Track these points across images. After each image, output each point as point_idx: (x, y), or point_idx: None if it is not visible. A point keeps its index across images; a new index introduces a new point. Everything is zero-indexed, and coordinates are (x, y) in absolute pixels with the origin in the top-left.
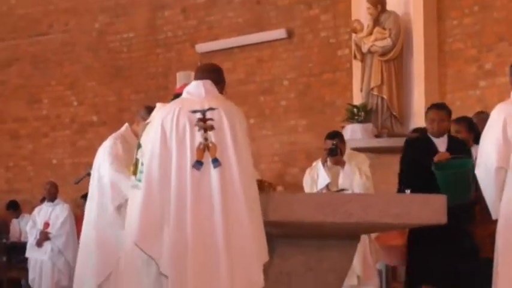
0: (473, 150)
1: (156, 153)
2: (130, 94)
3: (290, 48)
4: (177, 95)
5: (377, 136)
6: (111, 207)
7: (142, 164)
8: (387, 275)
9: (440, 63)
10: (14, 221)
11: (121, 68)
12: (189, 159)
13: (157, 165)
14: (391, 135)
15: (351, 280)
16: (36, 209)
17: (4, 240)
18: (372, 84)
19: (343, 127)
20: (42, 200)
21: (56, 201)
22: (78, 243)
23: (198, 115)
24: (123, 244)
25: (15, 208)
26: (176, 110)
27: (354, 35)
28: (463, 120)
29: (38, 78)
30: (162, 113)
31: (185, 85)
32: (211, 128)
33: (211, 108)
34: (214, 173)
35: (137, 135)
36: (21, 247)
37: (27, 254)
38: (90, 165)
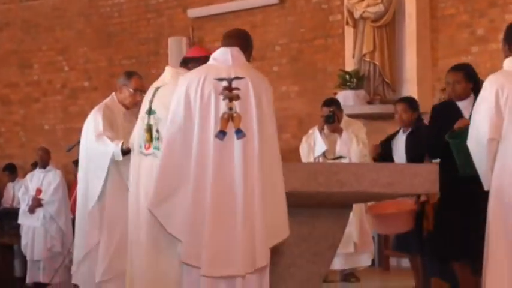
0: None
1: (178, 120)
2: (122, 59)
3: (282, 13)
4: (188, 59)
5: (369, 102)
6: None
7: (157, 131)
8: (379, 242)
9: (433, 29)
10: (9, 185)
11: (112, 34)
12: (212, 128)
13: (179, 132)
14: (383, 101)
15: (347, 247)
16: (28, 175)
17: None
18: (364, 51)
19: (335, 93)
20: (34, 165)
21: (48, 167)
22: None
23: (224, 83)
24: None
25: (11, 171)
26: (202, 77)
27: (345, 0)
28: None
29: (29, 43)
30: (187, 79)
31: (197, 49)
32: (237, 97)
33: (237, 77)
34: (237, 144)
35: (122, 103)
36: (13, 213)
37: (20, 221)
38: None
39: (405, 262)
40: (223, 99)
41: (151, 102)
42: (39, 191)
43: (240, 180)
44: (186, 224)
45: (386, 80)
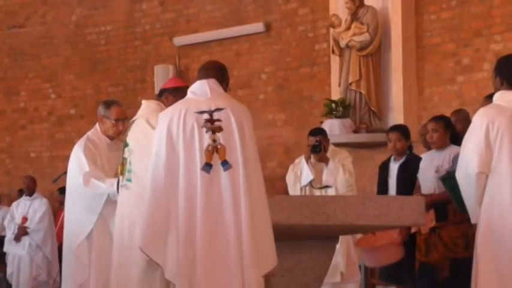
0: (449, 149)
1: (162, 155)
2: (108, 87)
3: (268, 41)
4: (164, 91)
5: (355, 131)
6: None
7: (130, 164)
8: (366, 270)
9: (418, 58)
10: None
11: (99, 61)
12: (198, 161)
13: (164, 168)
14: (370, 130)
15: (334, 277)
16: (14, 203)
17: None
18: (350, 79)
19: (321, 122)
20: (20, 192)
21: (34, 195)
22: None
23: (206, 116)
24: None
25: None
26: (182, 110)
27: (331, 29)
28: (440, 119)
29: (15, 70)
30: (167, 114)
31: (172, 80)
32: (220, 129)
33: (218, 109)
34: (224, 176)
35: (105, 134)
36: None
37: (5, 249)
38: (68, 158)
39: None
40: (206, 132)
41: (126, 135)
42: (25, 219)
43: (230, 212)
44: (178, 267)
45: (373, 108)
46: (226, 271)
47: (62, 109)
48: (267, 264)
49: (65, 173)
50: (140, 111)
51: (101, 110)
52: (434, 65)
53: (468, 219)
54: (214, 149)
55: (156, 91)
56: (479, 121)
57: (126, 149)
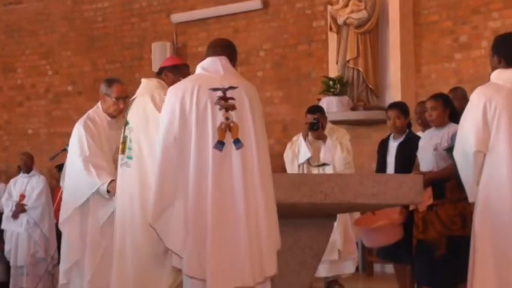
0: (448, 127)
1: (174, 129)
2: (106, 64)
3: (266, 19)
4: (163, 69)
5: (353, 109)
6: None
7: (131, 141)
8: (363, 248)
9: (416, 36)
10: None
11: (96, 38)
12: (210, 139)
13: (176, 142)
14: (367, 107)
15: (332, 255)
16: (12, 181)
17: None
18: (348, 57)
19: (319, 99)
20: (19, 168)
21: (32, 172)
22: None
23: (219, 93)
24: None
25: None
26: (195, 86)
27: (329, 6)
28: (439, 97)
29: (12, 47)
30: (179, 88)
31: (171, 59)
32: (233, 107)
33: (231, 87)
34: (236, 154)
35: (106, 112)
36: None
37: (3, 226)
38: (65, 135)
39: (389, 268)
40: (220, 109)
41: (126, 114)
42: (22, 196)
43: (241, 190)
44: (185, 237)
45: (370, 86)
46: (236, 248)
47: (59, 86)
48: (276, 242)
49: (63, 150)
50: (140, 90)
51: (102, 87)
52: (432, 43)
53: (465, 197)
54: (227, 127)
55: (154, 68)
56: (476, 100)
57: (126, 127)
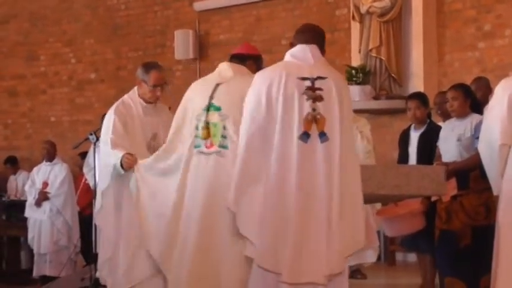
0: (470, 118)
1: (259, 119)
2: (128, 52)
3: (288, 7)
4: (249, 57)
5: (375, 98)
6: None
7: (225, 129)
8: (385, 237)
9: (439, 24)
10: (11, 178)
11: (119, 26)
12: (295, 129)
13: (259, 131)
14: (390, 96)
15: None
16: (35, 169)
17: (3, 199)
18: (371, 46)
19: None
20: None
21: (55, 160)
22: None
23: (307, 83)
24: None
25: (12, 163)
26: (283, 74)
27: None
28: (460, 87)
29: (36, 35)
30: (266, 77)
31: (250, 46)
32: (320, 98)
33: (320, 77)
34: (320, 147)
35: (142, 97)
36: (20, 205)
37: (26, 214)
38: (88, 122)
39: (411, 257)
40: (307, 100)
41: (211, 98)
42: (45, 184)
43: (324, 185)
44: (262, 227)
45: (393, 75)
46: (317, 244)
47: (82, 73)
48: (355, 244)
49: (86, 139)
50: (225, 74)
51: (139, 73)
52: (455, 31)
53: (489, 187)
54: (314, 118)
55: (176, 56)
56: (501, 92)
57: (216, 113)
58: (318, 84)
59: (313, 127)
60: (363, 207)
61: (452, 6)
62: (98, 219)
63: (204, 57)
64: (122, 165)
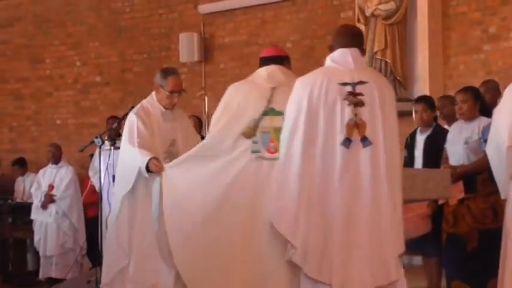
0: (478, 120)
1: (301, 122)
2: (133, 54)
3: (293, 10)
4: (284, 59)
5: None
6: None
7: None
8: None
9: (444, 27)
10: (19, 179)
11: (124, 29)
12: (338, 135)
13: (302, 138)
14: (395, 99)
15: None
16: (41, 171)
17: (9, 201)
18: (376, 48)
19: None
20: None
21: (60, 163)
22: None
23: (348, 88)
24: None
25: (21, 164)
26: (325, 80)
27: None
28: (469, 90)
29: (40, 38)
30: (307, 83)
31: (272, 49)
32: (362, 103)
33: (361, 82)
34: (363, 152)
35: (160, 103)
36: (26, 207)
37: (32, 216)
38: (93, 125)
39: (416, 260)
40: (349, 105)
41: (269, 102)
42: (51, 186)
43: (369, 191)
44: (311, 236)
45: (398, 77)
46: (363, 251)
47: (87, 76)
48: (398, 248)
49: (92, 142)
50: (279, 78)
51: (157, 78)
52: (461, 34)
53: (497, 191)
54: (355, 124)
55: (181, 59)
56: (509, 95)
57: (279, 117)
58: (359, 89)
59: (355, 132)
60: (401, 212)
61: (458, 9)
62: (114, 227)
63: (209, 60)
64: (147, 169)
